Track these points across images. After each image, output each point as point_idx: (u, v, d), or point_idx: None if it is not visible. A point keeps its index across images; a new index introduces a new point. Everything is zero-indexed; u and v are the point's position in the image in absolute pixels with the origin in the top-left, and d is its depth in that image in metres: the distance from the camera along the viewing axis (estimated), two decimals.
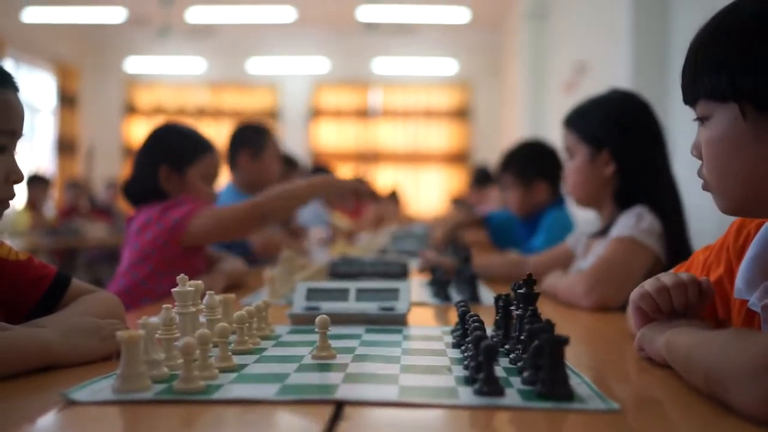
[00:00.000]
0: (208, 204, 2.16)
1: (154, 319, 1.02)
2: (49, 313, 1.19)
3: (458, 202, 8.33)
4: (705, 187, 1.06)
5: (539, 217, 3.07)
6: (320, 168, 6.10)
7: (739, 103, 0.96)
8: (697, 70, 1.01)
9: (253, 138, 3.21)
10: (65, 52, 10.75)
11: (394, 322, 1.43)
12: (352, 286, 1.54)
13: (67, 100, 10.92)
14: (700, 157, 1.06)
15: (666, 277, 1.12)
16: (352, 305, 1.48)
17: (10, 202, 1.20)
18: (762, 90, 0.93)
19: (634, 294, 1.15)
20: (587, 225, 2.28)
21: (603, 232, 1.94)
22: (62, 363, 1.03)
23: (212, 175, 2.24)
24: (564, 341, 0.87)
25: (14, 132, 1.17)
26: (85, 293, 1.27)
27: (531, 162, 3.19)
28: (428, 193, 11.52)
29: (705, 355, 0.87)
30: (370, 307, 1.46)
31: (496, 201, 5.35)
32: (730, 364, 0.80)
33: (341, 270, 2.23)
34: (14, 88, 1.18)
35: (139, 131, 11.12)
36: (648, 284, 1.13)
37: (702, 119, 1.03)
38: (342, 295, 1.51)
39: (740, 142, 0.97)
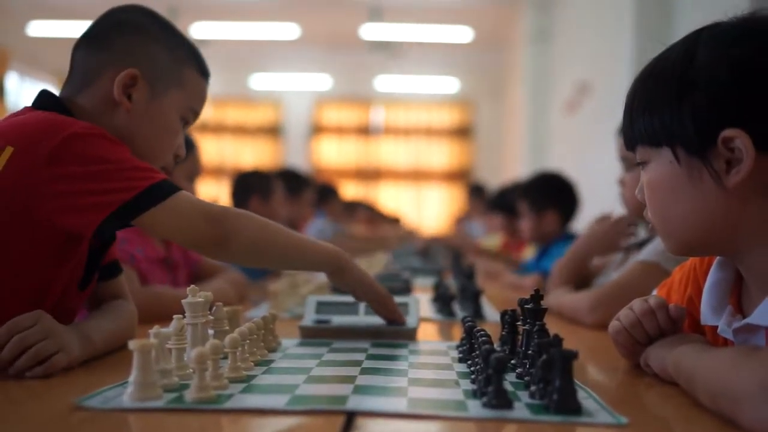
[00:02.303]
0: None
1: (165, 330, 1.03)
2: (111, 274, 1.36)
3: (462, 220, 8.42)
4: (652, 230, 1.08)
5: (548, 248, 3.17)
6: (326, 186, 6.13)
7: (671, 147, 0.98)
8: (633, 117, 1.03)
9: (261, 183, 3.37)
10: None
11: (403, 336, 1.44)
12: None
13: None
14: (644, 201, 1.07)
15: (636, 306, 1.13)
16: (361, 319, 1.49)
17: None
18: (690, 133, 0.95)
19: (612, 329, 1.17)
20: None
21: (641, 244, 1.93)
22: None
23: (196, 174, 2.29)
24: (573, 355, 0.87)
25: (198, 115, 1.42)
26: (121, 297, 1.36)
27: (546, 192, 3.28)
28: (429, 211, 11.54)
29: (713, 374, 0.87)
30: (380, 320, 1.47)
31: (486, 220, 5.48)
32: (739, 383, 0.80)
33: None
34: (208, 84, 1.44)
35: None
36: (623, 317, 1.14)
37: (641, 164, 1.05)
38: (352, 308, 1.52)
39: (677, 185, 0.98)
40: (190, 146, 2.23)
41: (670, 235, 1.05)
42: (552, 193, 3.27)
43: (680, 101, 0.96)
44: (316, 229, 4.75)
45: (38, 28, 9.46)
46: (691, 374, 0.94)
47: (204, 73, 1.40)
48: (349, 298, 1.58)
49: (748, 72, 0.92)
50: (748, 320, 0.98)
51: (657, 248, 1.75)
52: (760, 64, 0.92)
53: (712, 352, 0.94)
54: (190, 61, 1.37)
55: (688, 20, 3.67)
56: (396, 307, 1.45)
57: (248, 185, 3.36)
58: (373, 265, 3.31)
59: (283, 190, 3.48)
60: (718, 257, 1.08)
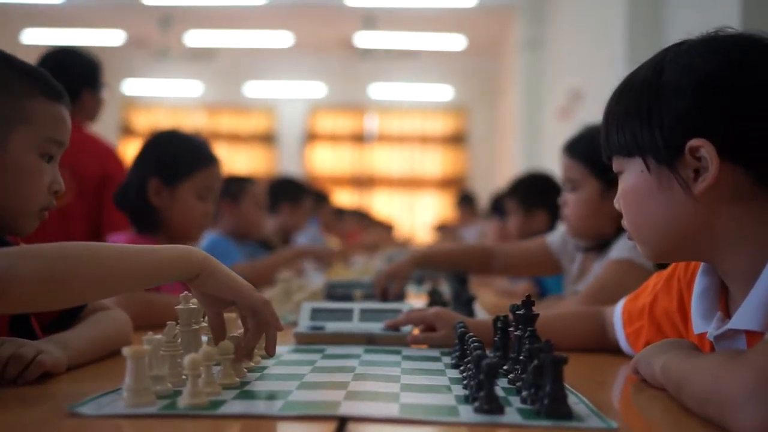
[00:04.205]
0: (199, 223, 2.04)
1: (158, 336, 1.04)
2: (69, 320, 1.26)
3: (443, 228, 8.47)
4: (629, 237, 1.11)
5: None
6: (319, 193, 6.15)
7: (642, 157, 1.02)
8: (608, 128, 1.08)
9: (231, 188, 3.30)
10: None
11: (397, 342, 1.45)
12: (356, 306, 1.56)
13: None
14: (621, 210, 1.11)
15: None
16: (356, 325, 1.50)
17: (47, 213, 1.23)
18: (658, 144, 0.99)
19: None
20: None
21: (599, 248, 1.95)
22: None
23: (211, 191, 2.06)
24: (563, 360, 0.88)
25: (63, 143, 1.23)
26: (100, 309, 1.32)
27: (534, 191, 3.28)
28: (423, 218, 11.55)
29: (700, 381, 0.88)
30: (374, 327, 1.48)
31: (481, 226, 5.50)
32: (726, 388, 0.81)
33: (338, 292, 2.24)
34: (66, 103, 1.24)
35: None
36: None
37: (618, 173, 1.10)
38: (346, 315, 1.53)
39: (648, 193, 1.03)
40: (205, 159, 2.05)
41: (644, 242, 1.09)
42: (541, 193, 3.28)
43: (649, 114, 1.00)
44: (308, 237, 4.75)
45: (32, 36, 9.45)
46: (678, 381, 0.95)
47: (54, 95, 1.22)
48: (345, 305, 1.59)
49: (711, 85, 0.97)
50: (728, 326, 1.00)
51: (627, 245, 1.78)
52: (722, 78, 0.97)
53: (700, 358, 0.95)
54: (33, 90, 1.20)
55: (679, 29, 3.69)
56: (275, 316, 1.15)
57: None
58: (369, 267, 3.32)
59: (256, 196, 3.45)
60: (702, 264, 1.10)
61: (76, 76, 2.93)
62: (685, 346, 1.06)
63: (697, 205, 0.99)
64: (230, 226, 3.33)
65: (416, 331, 1.48)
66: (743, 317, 0.97)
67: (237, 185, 3.36)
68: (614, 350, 1.36)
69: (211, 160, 2.07)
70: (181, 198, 1.99)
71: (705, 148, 0.96)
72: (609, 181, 1.91)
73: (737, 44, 1.00)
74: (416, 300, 2.35)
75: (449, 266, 2.29)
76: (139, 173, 2.02)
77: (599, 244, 1.96)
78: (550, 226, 3.23)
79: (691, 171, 0.98)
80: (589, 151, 1.97)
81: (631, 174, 1.05)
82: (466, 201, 7.77)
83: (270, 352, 1.14)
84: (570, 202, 2.01)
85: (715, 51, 0.99)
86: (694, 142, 0.96)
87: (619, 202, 1.11)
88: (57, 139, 1.21)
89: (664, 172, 1.00)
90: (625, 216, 1.10)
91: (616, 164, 1.09)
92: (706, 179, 0.97)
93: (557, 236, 2.25)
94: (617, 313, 1.35)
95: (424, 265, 2.27)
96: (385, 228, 8.66)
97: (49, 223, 1.26)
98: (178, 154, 2.03)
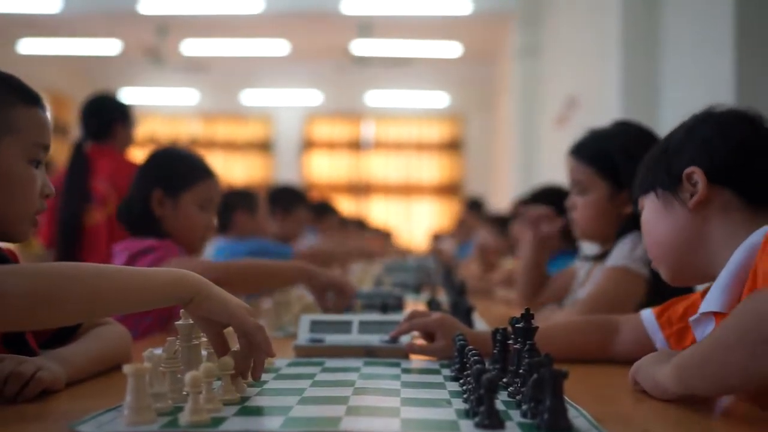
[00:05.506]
0: (201, 234, 2.11)
1: (158, 352, 1.04)
2: (68, 335, 1.26)
3: (439, 237, 8.42)
4: (652, 265, 1.34)
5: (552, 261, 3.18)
6: (321, 203, 6.12)
7: (654, 190, 1.30)
8: (638, 183, 1.37)
9: (247, 199, 3.56)
10: (59, 83, 10.79)
11: (396, 354, 1.45)
12: (354, 318, 1.56)
13: (59, 131, 10.92)
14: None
15: None
16: (355, 337, 1.50)
17: (38, 218, 1.24)
18: (664, 177, 1.28)
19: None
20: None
21: (602, 256, 1.95)
22: None
23: (211, 202, 2.13)
24: (563, 375, 0.88)
25: (47, 147, 1.24)
26: (100, 324, 1.32)
27: (550, 204, 3.28)
28: (420, 226, 11.56)
29: (729, 337, 0.90)
30: (373, 339, 1.48)
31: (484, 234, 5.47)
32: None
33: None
34: (43, 106, 1.26)
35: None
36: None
37: (641, 210, 1.35)
38: (345, 327, 1.53)
39: (658, 215, 1.29)
40: (204, 172, 2.11)
41: (660, 262, 1.31)
42: (557, 207, 3.26)
43: (659, 165, 1.30)
44: (305, 247, 4.73)
45: (28, 46, 9.45)
46: (702, 359, 0.95)
47: (32, 100, 1.23)
48: (344, 317, 1.59)
49: (703, 144, 1.25)
50: (700, 310, 1.17)
51: (623, 252, 1.79)
52: (712, 140, 1.25)
53: (712, 338, 0.96)
54: (14, 98, 1.20)
55: (674, 35, 3.71)
56: (268, 341, 1.13)
57: (232, 201, 3.42)
58: (364, 280, 3.32)
59: (269, 207, 3.64)
60: (730, 262, 1.17)
61: (109, 113, 3.70)
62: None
63: (694, 217, 1.23)
64: (247, 235, 3.46)
65: (418, 338, 1.47)
66: (710, 301, 1.15)
67: (253, 198, 3.56)
68: (617, 360, 1.37)
69: (209, 173, 2.15)
70: (184, 208, 2.05)
71: (696, 174, 1.23)
72: (618, 183, 1.90)
73: (730, 116, 1.27)
74: (414, 308, 2.35)
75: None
76: (142, 186, 2.08)
77: (604, 253, 1.96)
78: (563, 240, 3.22)
79: (688, 194, 1.24)
80: (596, 153, 1.94)
81: (648, 207, 1.32)
82: (474, 207, 7.61)
83: (255, 377, 1.13)
84: (578, 205, 1.98)
85: (707, 122, 1.28)
86: (688, 170, 1.24)
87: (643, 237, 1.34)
88: (42, 143, 1.23)
89: (668, 196, 1.27)
90: (645, 241, 1.33)
91: (641, 202, 1.35)
92: (697, 195, 1.22)
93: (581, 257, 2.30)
94: (647, 318, 1.39)
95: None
96: (384, 236, 8.64)
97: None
98: (178, 166, 2.11)
